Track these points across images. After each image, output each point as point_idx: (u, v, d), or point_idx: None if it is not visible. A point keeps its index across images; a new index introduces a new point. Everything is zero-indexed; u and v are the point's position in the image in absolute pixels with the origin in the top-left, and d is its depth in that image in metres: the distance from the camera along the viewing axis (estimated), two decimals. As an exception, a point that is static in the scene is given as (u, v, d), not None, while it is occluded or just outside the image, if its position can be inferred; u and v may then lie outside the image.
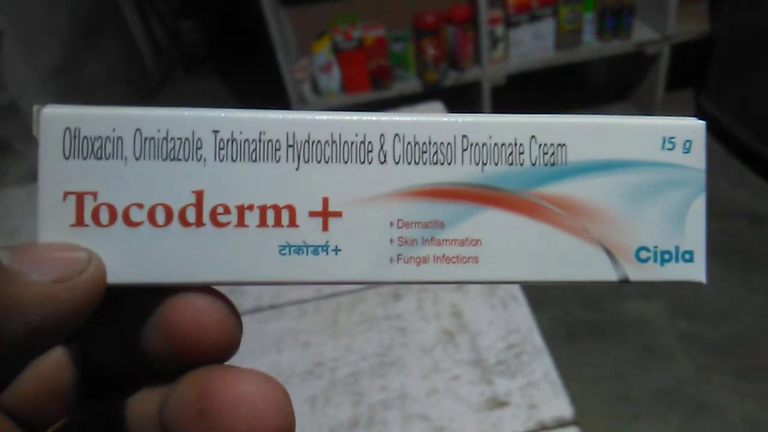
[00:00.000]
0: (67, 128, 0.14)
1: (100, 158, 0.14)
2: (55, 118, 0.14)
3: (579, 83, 1.77)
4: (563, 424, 0.36)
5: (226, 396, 0.12)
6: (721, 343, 1.03)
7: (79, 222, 0.14)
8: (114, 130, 0.14)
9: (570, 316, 1.10)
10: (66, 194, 0.14)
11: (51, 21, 1.58)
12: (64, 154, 0.14)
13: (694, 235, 0.15)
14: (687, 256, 0.15)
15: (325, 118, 0.15)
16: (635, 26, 1.47)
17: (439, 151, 0.15)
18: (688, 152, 0.15)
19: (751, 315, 1.07)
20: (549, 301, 1.11)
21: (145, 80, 2.05)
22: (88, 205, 0.14)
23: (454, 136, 0.15)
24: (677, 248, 0.15)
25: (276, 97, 1.53)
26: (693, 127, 0.15)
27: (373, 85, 1.45)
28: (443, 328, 0.43)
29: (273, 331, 0.45)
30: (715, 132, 1.46)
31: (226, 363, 0.14)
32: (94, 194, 0.14)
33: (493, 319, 0.43)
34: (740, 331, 1.05)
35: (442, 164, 0.15)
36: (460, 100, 1.53)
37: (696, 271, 0.15)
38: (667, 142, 0.15)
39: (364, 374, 0.41)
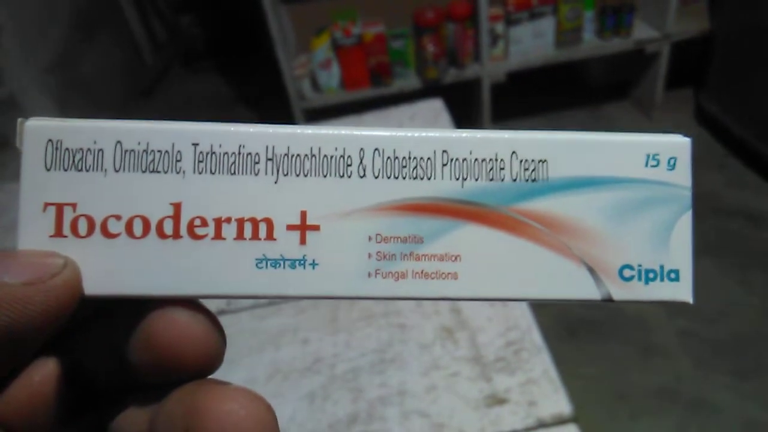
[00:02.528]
0: (50, 140, 0.14)
1: (81, 170, 0.14)
2: (38, 131, 0.14)
3: (579, 81, 1.76)
4: (562, 421, 0.36)
5: (211, 415, 0.12)
6: (719, 342, 1.03)
7: (58, 233, 0.14)
8: (95, 142, 0.14)
9: (569, 313, 1.11)
10: (46, 205, 0.14)
11: (49, 16, 1.58)
12: (45, 166, 0.14)
13: (680, 253, 0.15)
14: (672, 275, 0.15)
15: (304, 132, 0.15)
16: (635, 24, 1.47)
17: (418, 166, 0.15)
18: (672, 169, 0.15)
19: (749, 314, 1.07)
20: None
21: (144, 75, 2.05)
22: (68, 216, 0.14)
23: (434, 151, 0.15)
24: (662, 267, 0.15)
25: (275, 94, 1.53)
26: (678, 144, 0.15)
27: (372, 82, 1.45)
28: (442, 325, 0.43)
29: (272, 328, 0.45)
30: (714, 130, 1.46)
31: (212, 377, 0.14)
32: (74, 205, 0.14)
33: (492, 316, 0.43)
34: (738, 329, 1.05)
35: (422, 179, 0.15)
36: (460, 97, 1.53)
37: (682, 291, 0.15)
38: (651, 159, 0.15)
39: (363, 370, 0.41)
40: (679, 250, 0.15)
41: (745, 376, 0.97)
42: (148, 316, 0.14)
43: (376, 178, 0.14)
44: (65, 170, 0.14)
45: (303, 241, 0.14)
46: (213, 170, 0.14)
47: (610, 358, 1.03)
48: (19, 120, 0.14)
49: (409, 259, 0.14)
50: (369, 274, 0.14)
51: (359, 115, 0.67)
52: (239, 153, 0.14)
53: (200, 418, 0.12)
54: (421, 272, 0.14)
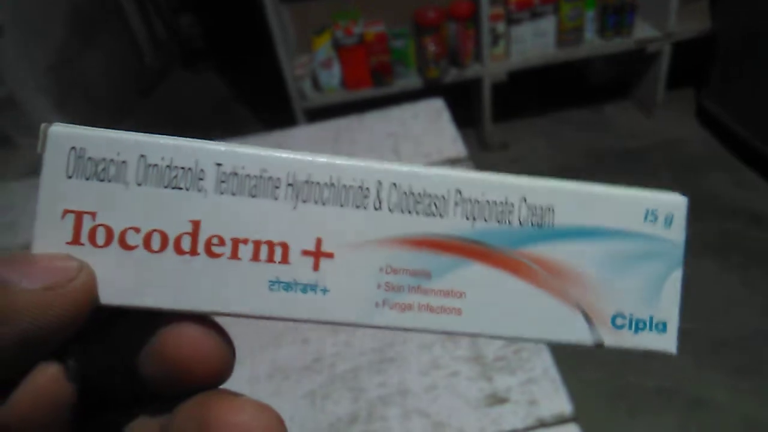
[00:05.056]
0: (73, 148, 0.14)
1: (103, 180, 0.14)
2: (62, 137, 0.14)
3: (580, 81, 1.76)
4: (563, 420, 0.36)
5: (223, 427, 0.13)
6: (719, 341, 1.03)
7: (76, 240, 0.14)
8: (119, 153, 0.14)
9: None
10: (65, 212, 0.14)
11: (49, 15, 1.58)
12: (67, 173, 0.14)
13: (669, 306, 0.16)
14: (660, 327, 0.16)
15: (326, 161, 0.15)
16: (636, 24, 1.47)
17: (432, 203, 0.15)
18: (669, 226, 0.16)
19: (749, 313, 1.07)
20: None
21: (144, 75, 2.05)
22: (86, 225, 0.14)
23: (449, 190, 0.15)
24: (651, 318, 0.15)
25: (276, 94, 1.53)
26: (675, 203, 0.16)
27: (373, 82, 1.45)
28: (443, 325, 0.43)
29: (272, 327, 0.45)
30: (715, 130, 1.46)
31: (221, 387, 0.15)
32: (93, 214, 0.14)
33: (492, 315, 0.42)
34: (738, 328, 1.05)
35: (435, 216, 0.15)
36: (461, 96, 1.53)
37: (667, 342, 0.16)
38: (650, 215, 0.16)
39: (363, 370, 0.41)
40: (668, 303, 0.16)
41: (746, 374, 0.97)
42: (161, 330, 0.14)
43: (391, 211, 0.15)
44: (87, 179, 0.14)
45: (316, 268, 0.15)
46: (234, 191, 0.15)
47: (611, 357, 1.03)
48: (43, 125, 0.14)
49: (416, 293, 0.15)
50: (377, 304, 0.15)
51: (360, 115, 0.67)
52: (261, 177, 0.15)
53: (213, 430, 0.13)
54: (427, 306, 0.15)
